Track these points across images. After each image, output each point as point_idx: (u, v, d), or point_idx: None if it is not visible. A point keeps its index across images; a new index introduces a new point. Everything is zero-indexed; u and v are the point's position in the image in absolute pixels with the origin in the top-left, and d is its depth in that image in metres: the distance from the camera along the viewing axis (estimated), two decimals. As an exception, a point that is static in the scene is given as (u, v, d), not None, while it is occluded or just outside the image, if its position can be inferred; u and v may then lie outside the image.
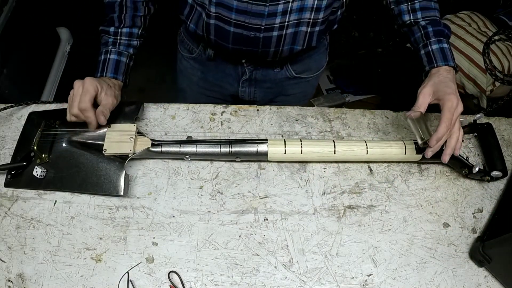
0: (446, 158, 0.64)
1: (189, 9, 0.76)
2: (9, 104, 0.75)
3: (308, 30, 0.73)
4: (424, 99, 0.65)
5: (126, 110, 0.70)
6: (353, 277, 0.59)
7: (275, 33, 0.71)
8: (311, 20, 0.71)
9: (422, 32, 0.71)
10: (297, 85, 0.92)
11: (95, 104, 0.65)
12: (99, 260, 0.59)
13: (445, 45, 0.70)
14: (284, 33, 0.72)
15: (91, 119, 0.64)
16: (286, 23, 0.70)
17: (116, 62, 0.72)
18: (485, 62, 1.30)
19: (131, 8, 0.73)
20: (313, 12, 0.69)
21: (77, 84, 0.64)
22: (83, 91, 0.63)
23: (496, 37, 1.32)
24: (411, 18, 0.73)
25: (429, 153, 0.64)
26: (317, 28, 0.73)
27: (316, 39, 0.76)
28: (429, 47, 0.70)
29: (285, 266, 0.60)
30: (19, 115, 0.75)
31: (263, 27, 0.69)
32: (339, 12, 0.78)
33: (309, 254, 0.61)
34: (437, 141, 0.62)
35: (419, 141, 0.65)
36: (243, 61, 0.83)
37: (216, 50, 0.82)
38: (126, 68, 0.74)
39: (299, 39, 0.74)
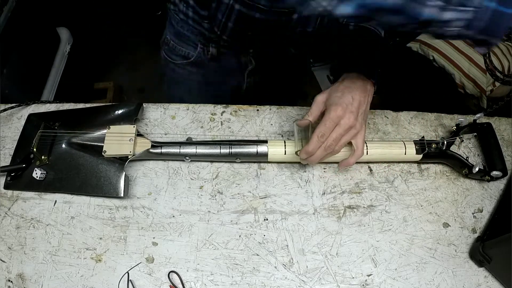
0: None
1: None
2: (9, 105, 0.75)
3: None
4: (316, 107, 0.61)
5: (126, 112, 0.70)
6: (353, 277, 0.59)
7: (295, 16, 0.70)
8: None
9: (348, 38, 0.68)
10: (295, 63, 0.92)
11: None
12: (99, 260, 0.59)
13: (365, 54, 0.66)
14: (302, 15, 0.70)
15: None
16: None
17: None
18: (485, 62, 1.30)
19: None
20: None
21: None
22: None
23: (496, 37, 1.32)
24: (344, 20, 0.70)
25: (303, 161, 0.62)
26: None
27: (327, 20, 0.75)
28: (347, 52, 0.67)
29: (285, 266, 0.60)
30: (19, 115, 0.75)
31: (286, 11, 0.68)
32: None
33: (309, 254, 0.61)
34: (306, 154, 0.59)
35: (296, 149, 0.62)
36: (251, 51, 0.82)
37: (224, 43, 0.80)
38: None
39: (311, 22, 0.73)
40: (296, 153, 0.63)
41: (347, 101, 0.59)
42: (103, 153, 0.64)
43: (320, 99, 0.62)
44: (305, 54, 0.92)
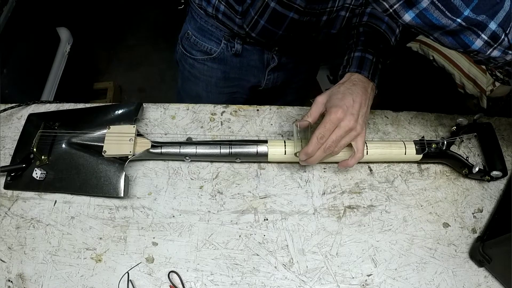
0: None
1: None
2: (9, 105, 0.75)
3: (347, 15, 0.74)
4: (316, 108, 0.61)
5: (126, 112, 0.70)
6: (353, 277, 0.59)
7: (324, 18, 0.72)
8: (351, 6, 0.72)
9: (355, 39, 0.69)
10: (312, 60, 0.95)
11: None
12: (99, 260, 0.59)
13: (368, 56, 0.66)
14: (330, 18, 0.72)
15: None
16: (334, 8, 0.70)
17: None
18: (485, 62, 1.30)
19: None
20: None
21: None
22: None
23: (496, 37, 1.32)
24: (356, 21, 0.71)
25: (301, 163, 0.62)
26: (351, 14, 0.74)
27: (347, 23, 0.77)
28: (352, 53, 0.67)
29: (285, 266, 0.60)
30: (19, 115, 0.75)
31: (318, 12, 0.70)
32: None
33: (309, 254, 0.61)
34: (306, 156, 0.59)
35: (295, 150, 0.62)
36: (276, 48, 0.83)
37: (250, 40, 0.80)
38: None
39: (336, 24, 0.75)
40: (295, 154, 0.63)
41: (347, 103, 0.59)
42: (103, 153, 0.64)
43: (320, 100, 0.62)
44: (319, 54, 0.95)
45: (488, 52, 0.48)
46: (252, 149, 0.66)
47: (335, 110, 0.58)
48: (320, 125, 0.59)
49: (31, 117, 0.72)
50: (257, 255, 0.60)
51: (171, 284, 0.57)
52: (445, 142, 0.67)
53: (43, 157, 0.65)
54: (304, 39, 0.80)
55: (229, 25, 0.78)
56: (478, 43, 0.47)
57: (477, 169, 0.64)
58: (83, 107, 0.75)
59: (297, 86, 1.03)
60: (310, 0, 0.67)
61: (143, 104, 0.74)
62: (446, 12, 0.45)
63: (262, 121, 0.75)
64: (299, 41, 0.80)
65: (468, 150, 0.74)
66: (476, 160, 0.72)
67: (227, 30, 0.80)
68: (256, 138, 0.71)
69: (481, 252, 0.59)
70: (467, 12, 0.45)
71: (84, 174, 0.64)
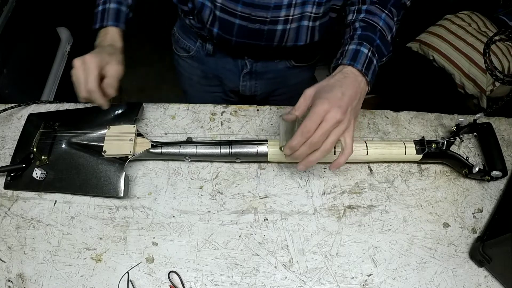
0: (299, 167, 0.58)
1: None
2: (9, 105, 0.75)
3: (310, 25, 0.73)
4: (303, 100, 0.58)
5: (126, 112, 0.70)
6: (353, 277, 0.59)
7: (279, 27, 0.71)
8: (312, 15, 0.71)
9: (350, 34, 0.65)
10: (298, 74, 0.91)
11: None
12: (99, 260, 0.59)
13: (363, 50, 0.62)
14: (288, 27, 0.72)
15: (99, 101, 0.62)
16: (290, 17, 0.70)
17: (116, 10, 0.71)
18: (485, 62, 1.30)
19: None
20: (314, 6, 0.69)
21: (78, 63, 0.61)
22: (86, 71, 0.60)
23: (497, 37, 1.32)
24: (352, 18, 0.67)
25: (287, 158, 0.60)
26: (317, 23, 0.73)
27: (319, 34, 0.76)
28: (346, 46, 0.63)
29: (285, 266, 0.60)
30: (19, 115, 0.75)
31: (268, 20, 0.69)
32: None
33: (309, 254, 0.61)
34: (290, 150, 0.56)
35: (280, 144, 0.61)
36: (245, 57, 0.83)
37: (217, 44, 0.81)
38: (126, 18, 0.73)
39: (301, 34, 0.74)
40: (280, 148, 0.61)
41: (335, 95, 0.55)
42: (103, 153, 0.64)
43: (308, 93, 0.58)
44: (312, 66, 0.94)
45: None
46: (252, 149, 0.66)
47: (322, 102, 0.54)
48: (306, 118, 0.55)
49: (31, 117, 0.72)
50: (257, 255, 0.60)
51: (171, 284, 0.57)
52: (445, 142, 0.67)
53: (43, 157, 0.65)
54: (272, 51, 0.78)
55: (196, 28, 0.80)
56: None
57: (477, 169, 0.64)
58: (83, 107, 0.75)
59: (289, 92, 0.99)
60: (254, 7, 0.67)
61: (143, 104, 0.74)
62: None
63: (262, 121, 0.75)
64: (268, 50, 0.78)
65: (468, 150, 0.74)
66: (476, 160, 0.72)
67: (198, 31, 0.81)
68: (256, 138, 0.71)
69: (481, 252, 0.59)
70: None
71: (84, 174, 0.64)
